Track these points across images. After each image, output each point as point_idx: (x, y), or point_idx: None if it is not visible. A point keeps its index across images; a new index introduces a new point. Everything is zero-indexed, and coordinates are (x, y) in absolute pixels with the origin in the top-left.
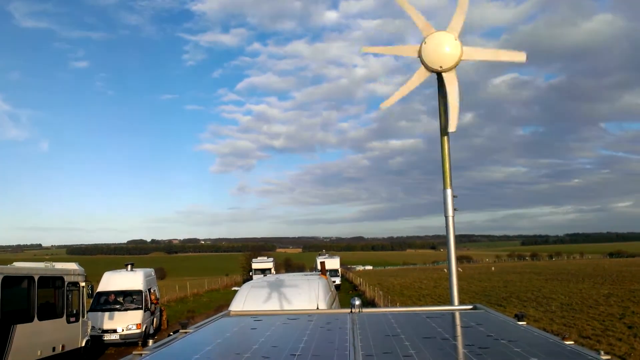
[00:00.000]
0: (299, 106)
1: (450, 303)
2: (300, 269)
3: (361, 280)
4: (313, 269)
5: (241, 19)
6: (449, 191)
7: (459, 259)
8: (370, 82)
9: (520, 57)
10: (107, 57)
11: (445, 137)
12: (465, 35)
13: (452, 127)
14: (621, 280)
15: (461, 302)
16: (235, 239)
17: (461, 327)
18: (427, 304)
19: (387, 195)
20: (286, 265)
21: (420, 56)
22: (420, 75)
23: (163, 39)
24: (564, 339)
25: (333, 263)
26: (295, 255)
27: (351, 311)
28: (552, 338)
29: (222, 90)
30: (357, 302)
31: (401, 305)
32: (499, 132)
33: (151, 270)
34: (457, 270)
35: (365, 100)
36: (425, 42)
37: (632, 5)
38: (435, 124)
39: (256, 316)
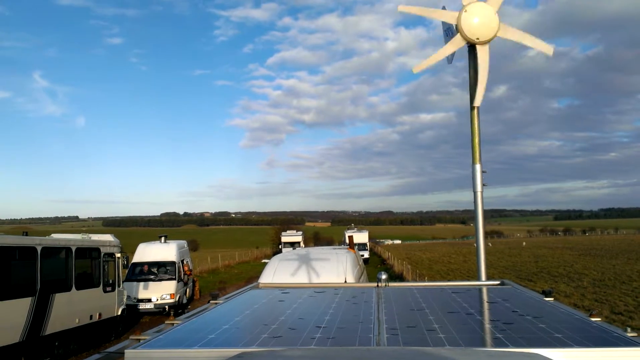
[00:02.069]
0: (329, 80)
1: (478, 278)
2: (328, 242)
3: (389, 254)
4: (342, 242)
5: None
6: (477, 166)
7: (490, 233)
8: (401, 56)
9: (548, 49)
10: (140, 34)
11: (475, 111)
12: (503, 4)
13: (477, 102)
14: None
15: (489, 278)
16: (265, 212)
17: (487, 302)
18: (454, 279)
19: (416, 169)
20: (315, 239)
21: (458, 23)
22: (455, 43)
23: (195, 15)
24: (591, 315)
25: (361, 237)
26: (324, 229)
27: (377, 285)
28: (579, 315)
29: (252, 65)
30: (384, 277)
31: (428, 280)
32: (532, 104)
33: (184, 242)
34: (486, 245)
35: (395, 74)
36: (465, 10)
37: None
38: (467, 97)
39: (284, 289)
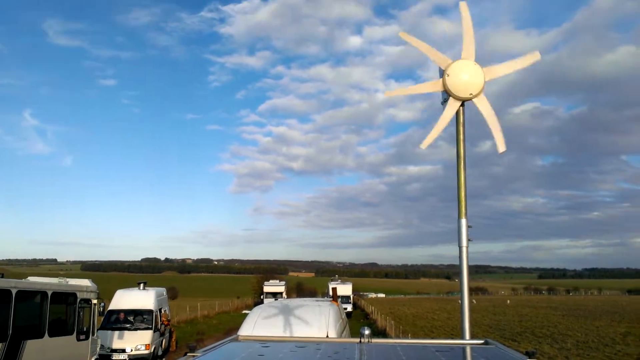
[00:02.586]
0: (319, 129)
1: (462, 337)
2: (312, 293)
3: (373, 308)
4: (325, 294)
5: (267, 42)
6: (463, 221)
7: (474, 290)
8: (391, 107)
9: (535, 56)
10: (134, 76)
11: (462, 165)
12: (488, 64)
13: (501, 147)
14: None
15: (473, 336)
16: (248, 260)
17: None
18: (438, 337)
19: (402, 221)
20: (298, 290)
21: (445, 89)
22: (434, 86)
23: (190, 60)
24: None
25: (345, 289)
26: (307, 279)
27: (360, 341)
28: None
29: (244, 111)
30: (367, 332)
31: (412, 337)
32: (518, 161)
33: (163, 290)
34: (471, 303)
35: (384, 125)
36: (447, 74)
37: None
38: (453, 151)
39: (265, 342)
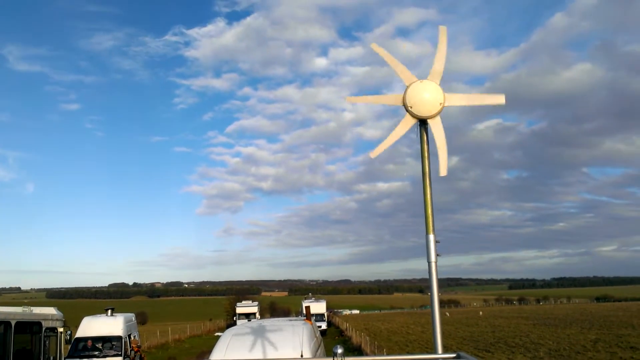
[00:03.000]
0: (288, 149)
1: (434, 351)
2: (285, 313)
3: (348, 325)
4: (299, 313)
5: (233, 64)
6: (431, 236)
7: (447, 303)
8: (358, 126)
9: (499, 99)
10: (98, 100)
11: (428, 182)
12: (451, 83)
13: (442, 172)
14: (608, 325)
15: (447, 349)
16: (219, 282)
17: None
18: (413, 351)
19: (373, 237)
20: (271, 310)
21: (404, 104)
22: (406, 124)
23: (155, 83)
24: None
25: (319, 307)
26: (280, 298)
27: (334, 359)
28: None
29: (212, 132)
30: (340, 351)
31: (386, 354)
32: (484, 175)
33: (132, 315)
34: (445, 315)
35: (353, 144)
36: (408, 91)
37: (609, 55)
38: (420, 168)
39: None
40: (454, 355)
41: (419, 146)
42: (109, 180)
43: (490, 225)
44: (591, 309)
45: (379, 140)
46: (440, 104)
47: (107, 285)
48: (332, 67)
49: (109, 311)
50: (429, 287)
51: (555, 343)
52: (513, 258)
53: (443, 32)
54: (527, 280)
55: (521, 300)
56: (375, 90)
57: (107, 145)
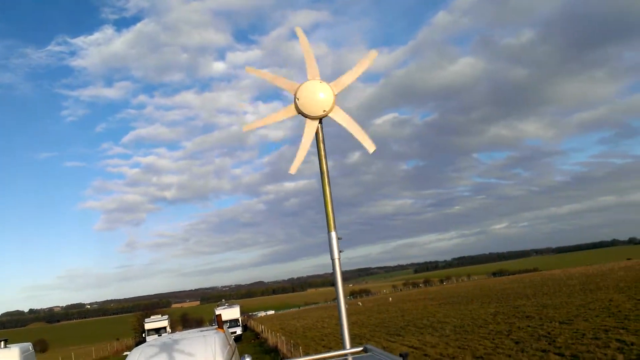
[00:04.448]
0: (191, 155)
1: (342, 347)
2: (198, 323)
3: (263, 327)
4: (212, 322)
5: (125, 72)
6: (333, 234)
7: (358, 293)
8: (261, 128)
9: (370, 146)
10: None
11: (326, 180)
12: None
13: (370, 148)
14: (505, 297)
15: (356, 343)
16: (125, 299)
17: None
18: (328, 345)
19: (284, 237)
20: (183, 321)
21: (300, 112)
22: (288, 112)
23: (40, 96)
24: None
25: (232, 313)
26: (192, 309)
27: None
28: None
29: (106, 144)
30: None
31: (303, 354)
32: (385, 167)
33: (29, 345)
34: (357, 305)
35: (257, 146)
36: (297, 98)
37: (488, 49)
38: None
39: None
40: (361, 348)
41: (305, 143)
42: None
43: (394, 214)
44: (489, 284)
45: (283, 141)
46: (325, 111)
47: None
48: (231, 71)
49: (2, 342)
50: (334, 284)
51: (459, 320)
52: (417, 243)
53: (300, 32)
54: (430, 262)
55: (426, 282)
56: (276, 92)
57: None
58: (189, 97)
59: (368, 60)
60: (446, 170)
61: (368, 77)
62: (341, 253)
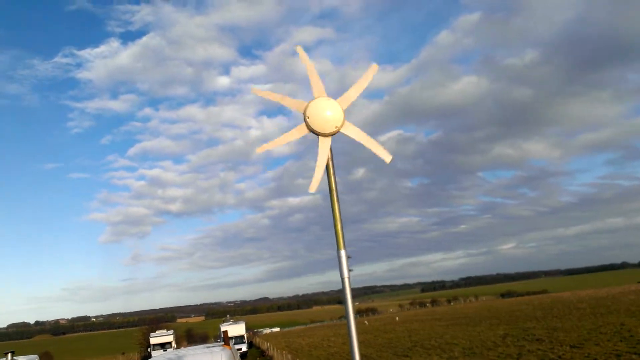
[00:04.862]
0: (195, 169)
1: None
2: (203, 339)
3: (269, 344)
4: (217, 337)
5: (130, 85)
6: (342, 252)
7: (364, 311)
8: (265, 143)
9: (387, 157)
10: None
11: (335, 198)
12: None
13: (311, 188)
14: (514, 319)
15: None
16: (130, 312)
17: None
18: None
19: (289, 253)
20: (188, 337)
21: (304, 113)
22: (300, 131)
23: (46, 107)
24: None
25: (238, 329)
26: (197, 324)
27: None
28: None
29: (112, 156)
30: None
31: None
32: (389, 185)
33: (35, 357)
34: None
35: (261, 161)
36: (307, 117)
37: (491, 68)
38: (331, 180)
39: None
40: None
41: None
42: (0, 212)
43: (398, 232)
44: (497, 305)
45: (288, 156)
46: (337, 127)
47: (5, 326)
48: (235, 85)
49: (9, 355)
50: (344, 303)
51: (468, 341)
52: (422, 262)
53: (301, 51)
54: (437, 282)
55: (433, 302)
56: (281, 106)
57: None
58: (193, 110)
59: (370, 73)
60: (450, 189)
61: (372, 94)
62: (351, 272)
